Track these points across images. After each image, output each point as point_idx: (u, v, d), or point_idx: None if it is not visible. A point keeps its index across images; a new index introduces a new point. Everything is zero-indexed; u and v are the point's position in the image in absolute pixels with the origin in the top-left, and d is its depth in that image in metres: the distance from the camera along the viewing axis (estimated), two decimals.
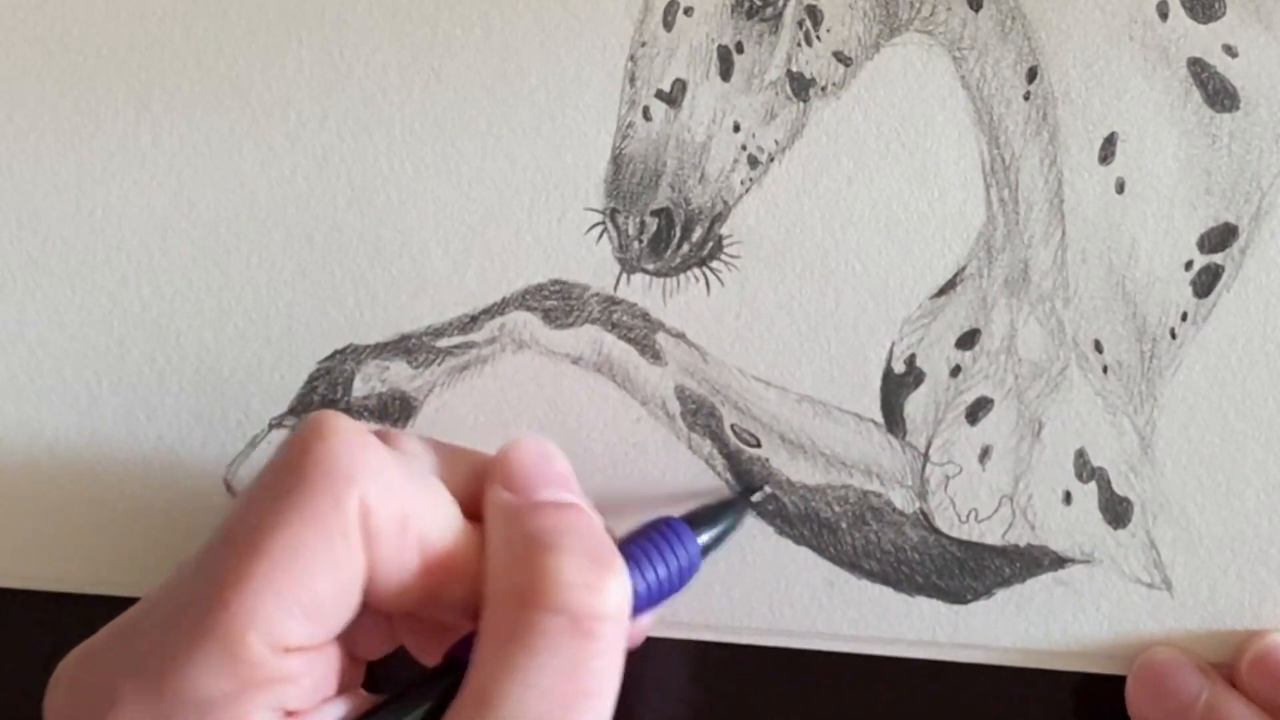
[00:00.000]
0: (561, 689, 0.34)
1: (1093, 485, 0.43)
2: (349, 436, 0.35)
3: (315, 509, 0.34)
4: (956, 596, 0.44)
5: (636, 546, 0.39)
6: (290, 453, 0.35)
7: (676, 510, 0.41)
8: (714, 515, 0.42)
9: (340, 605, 0.34)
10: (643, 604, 0.38)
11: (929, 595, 0.44)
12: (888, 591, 0.44)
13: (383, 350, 0.45)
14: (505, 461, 0.38)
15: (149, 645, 0.34)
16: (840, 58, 0.43)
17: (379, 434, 0.38)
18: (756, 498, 0.44)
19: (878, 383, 0.44)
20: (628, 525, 0.40)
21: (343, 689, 0.36)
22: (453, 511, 0.37)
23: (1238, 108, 0.42)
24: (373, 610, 0.36)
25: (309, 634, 0.34)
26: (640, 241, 0.44)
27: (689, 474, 0.44)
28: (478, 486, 0.38)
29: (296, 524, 0.34)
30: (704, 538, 0.41)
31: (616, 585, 0.35)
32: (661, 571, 0.39)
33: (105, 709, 0.33)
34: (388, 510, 0.35)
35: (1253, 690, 0.41)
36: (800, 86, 0.43)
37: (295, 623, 0.33)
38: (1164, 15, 0.42)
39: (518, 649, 0.34)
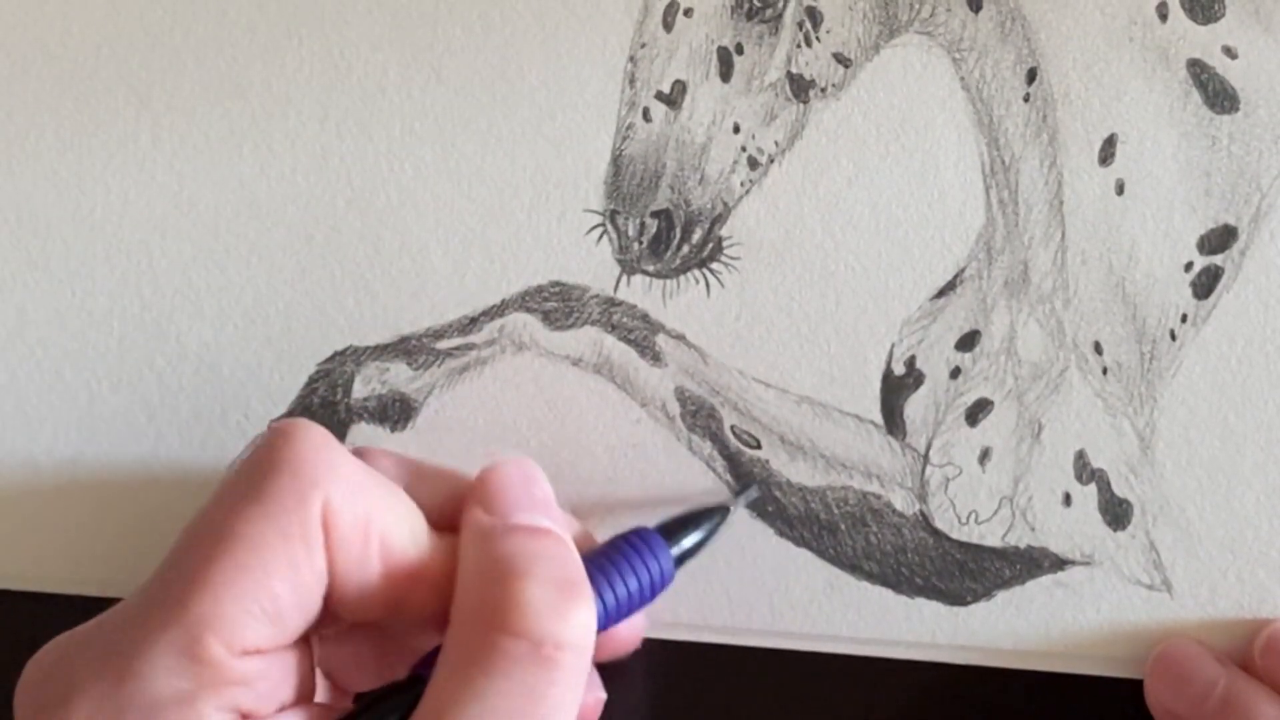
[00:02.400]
0: (517, 713, 0.34)
1: (1092, 487, 0.43)
2: (315, 441, 0.35)
3: (277, 511, 0.34)
4: (956, 598, 0.44)
5: (607, 560, 0.39)
6: (256, 455, 0.36)
7: (669, 513, 0.41)
8: (692, 523, 0.41)
9: (300, 609, 0.35)
10: (612, 618, 0.38)
11: (929, 597, 0.44)
12: (887, 593, 0.44)
13: (382, 352, 0.45)
14: (484, 483, 0.38)
15: (110, 643, 0.34)
16: (840, 59, 0.43)
17: (355, 450, 0.38)
18: (742, 503, 0.44)
19: (877, 384, 0.44)
20: (626, 528, 0.40)
21: (301, 698, 0.36)
22: (418, 523, 0.37)
23: (1237, 109, 0.42)
24: (339, 620, 0.36)
25: (267, 637, 0.34)
26: (640, 243, 0.44)
27: (689, 475, 0.44)
28: (455, 505, 0.38)
29: (258, 525, 0.34)
30: (680, 547, 0.41)
31: (581, 613, 0.35)
32: (632, 585, 0.39)
33: (64, 703, 0.33)
34: (351, 515, 0.35)
35: (1268, 673, 0.41)
36: (800, 88, 0.43)
37: (254, 625, 0.34)
38: (1164, 17, 0.42)
39: (477, 671, 0.34)
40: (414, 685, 0.35)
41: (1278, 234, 0.42)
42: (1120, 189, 0.43)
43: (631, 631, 0.41)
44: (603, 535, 0.40)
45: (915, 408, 0.44)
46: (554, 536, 0.37)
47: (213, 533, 0.34)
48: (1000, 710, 0.45)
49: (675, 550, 0.40)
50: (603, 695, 0.41)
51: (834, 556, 0.44)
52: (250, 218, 0.45)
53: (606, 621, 0.38)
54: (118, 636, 0.34)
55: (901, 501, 0.44)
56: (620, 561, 0.39)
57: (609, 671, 0.42)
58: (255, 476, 0.35)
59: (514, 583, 0.35)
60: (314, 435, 0.36)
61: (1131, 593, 0.43)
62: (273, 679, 0.35)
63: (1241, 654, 0.43)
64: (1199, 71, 0.42)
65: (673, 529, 0.41)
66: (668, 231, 0.44)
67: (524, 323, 0.44)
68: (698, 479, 0.44)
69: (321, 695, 0.40)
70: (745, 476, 0.44)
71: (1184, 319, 0.43)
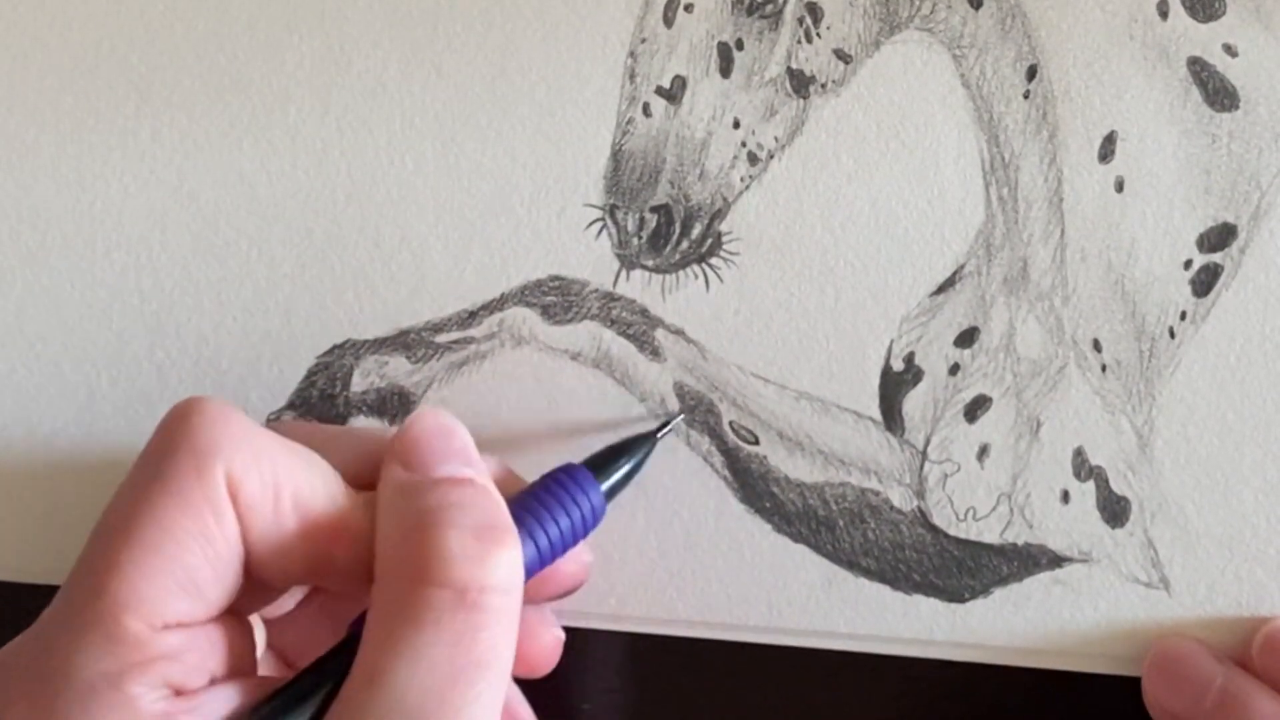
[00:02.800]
0: (449, 661, 0.34)
1: (1091, 484, 0.43)
2: (211, 414, 0.35)
3: (179, 485, 0.34)
4: (954, 595, 0.44)
5: (535, 500, 0.39)
6: (155, 437, 0.36)
7: (594, 446, 0.41)
8: (619, 454, 0.41)
9: (218, 579, 0.35)
10: (545, 559, 0.38)
11: (926, 594, 0.44)
12: (885, 590, 0.44)
13: (381, 345, 0.45)
14: (402, 439, 0.38)
15: (38, 646, 0.34)
16: (840, 55, 0.43)
17: (269, 424, 0.38)
18: (662, 433, 0.43)
19: (876, 380, 0.44)
20: (623, 523, 0.40)
21: (236, 671, 0.36)
22: (331, 479, 0.37)
23: (1237, 107, 0.42)
24: (267, 587, 0.37)
25: (188, 610, 0.34)
26: (640, 238, 0.44)
27: (687, 470, 0.44)
28: (373, 464, 0.38)
29: (162, 503, 0.34)
30: (609, 480, 0.40)
31: (505, 557, 0.35)
32: (564, 523, 0.39)
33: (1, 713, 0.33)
34: (258, 480, 0.35)
35: (1265, 671, 0.41)
36: (800, 83, 0.43)
37: (171, 600, 0.34)
38: (1164, 14, 0.42)
39: (405, 624, 0.34)
40: (351, 644, 0.35)
41: (1277, 232, 0.42)
42: (1120, 186, 0.43)
43: (575, 567, 0.40)
44: (532, 475, 0.40)
45: (914, 404, 0.44)
46: (474, 484, 0.37)
47: (121, 518, 0.35)
48: (997, 707, 0.45)
49: (604, 484, 0.40)
50: (560, 634, 0.41)
51: (832, 553, 0.44)
52: (250, 212, 0.45)
53: (540, 562, 0.38)
54: (45, 638, 0.34)
55: (900, 498, 0.44)
56: (549, 500, 0.39)
57: (601, 666, 0.42)
58: (155, 457, 0.35)
59: (434, 533, 0.35)
60: (209, 408, 0.36)
61: (1129, 590, 0.43)
62: (200, 651, 0.34)
63: (1239, 652, 0.43)
64: (1199, 69, 0.42)
65: (599, 462, 0.41)
66: (667, 226, 0.44)
67: (523, 317, 0.44)
68: (696, 473, 0.44)
69: (274, 672, 0.40)
70: (742, 473, 0.44)
71: (1183, 317, 0.43)
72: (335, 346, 0.45)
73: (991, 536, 0.44)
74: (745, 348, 0.44)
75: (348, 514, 0.37)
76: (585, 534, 0.39)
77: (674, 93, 0.43)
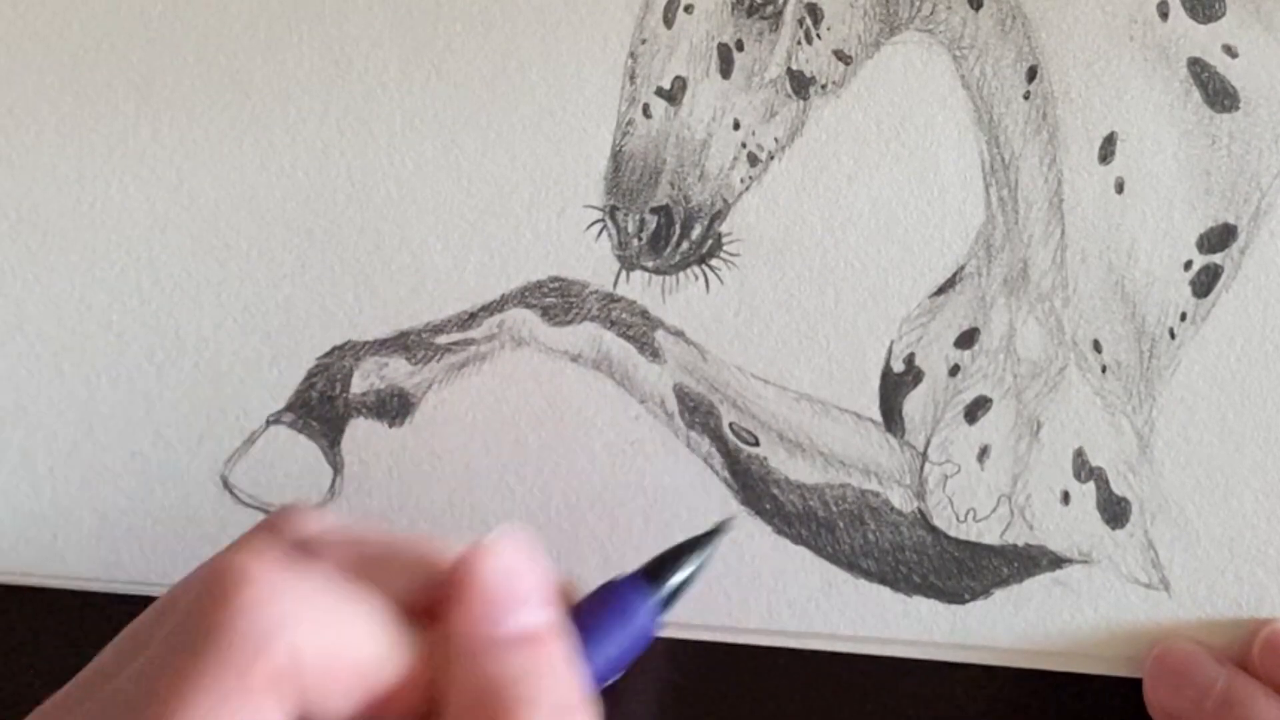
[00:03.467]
0: None
1: (1091, 485, 0.43)
2: (268, 582, 0.31)
3: (232, 678, 0.30)
4: (954, 596, 0.44)
5: (586, 626, 0.37)
6: (196, 611, 0.31)
7: (660, 516, 0.40)
8: (676, 559, 0.38)
9: None
10: (596, 683, 0.37)
11: (927, 595, 0.44)
12: (885, 591, 0.44)
13: (381, 346, 0.45)
14: (465, 583, 0.34)
15: None
16: (840, 56, 0.43)
17: (297, 543, 0.34)
18: (718, 535, 0.42)
19: (876, 381, 0.44)
20: (624, 524, 0.40)
21: None
22: (387, 637, 0.33)
23: (1237, 108, 0.42)
24: None
25: None
26: (640, 239, 0.44)
27: (687, 472, 0.44)
28: (425, 589, 0.35)
29: (209, 702, 0.30)
30: (663, 590, 0.38)
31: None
32: (612, 651, 0.37)
33: None
34: (315, 652, 0.31)
35: (1266, 673, 0.41)
36: (800, 84, 0.43)
37: None
38: (1164, 15, 0.42)
39: None
40: None
41: (1277, 233, 0.42)
42: (1120, 187, 0.43)
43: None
44: (597, 525, 0.40)
45: (914, 405, 0.44)
46: (549, 646, 0.34)
47: (150, 706, 0.30)
48: (998, 708, 0.45)
49: (659, 594, 0.38)
50: None
51: (832, 554, 0.44)
52: (250, 213, 0.45)
53: (591, 684, 0.37)
54: None
55: (900, 499, 0.44)
56: (600, 626, 0.37)
57: None
58: (198, 639, 0.30)
59: (512, 711, 0.32)
60: (264, 577, 0.31)
61: (1129, 591, 0.43)
62: None
63: (1239, 653, 0.43)
64: (1199, 70, 0.42)
65: (655, 570, 0.38)
66: (667, 227, 0.44)
67: (523, 318, 0.44)
68: (696, 475, 0.44)
69: None
70: (743, 475, 0.44)
71: (1183, 317, 0.43)
72: (335, 348, 0.45)
73: (991, 537, 0.44)
74: (745, 349, 0.44)
75: (405, 670, 0.33)
76: (632, 661, 0.38)
77: (674, 94, 0.43)
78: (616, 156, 0.44)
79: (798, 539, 0.44)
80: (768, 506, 0.44)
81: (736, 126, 0.43)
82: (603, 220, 0.44)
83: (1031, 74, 0.43)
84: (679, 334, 0.44)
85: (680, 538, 0.42)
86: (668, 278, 0.44)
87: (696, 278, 0.44)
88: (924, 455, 0.44)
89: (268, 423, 0.45)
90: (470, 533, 0.35)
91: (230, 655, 0.30)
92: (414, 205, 0.44)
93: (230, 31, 0.45)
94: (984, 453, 0.44)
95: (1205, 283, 0.43)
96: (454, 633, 0.34)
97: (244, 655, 0.30)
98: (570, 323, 0.44)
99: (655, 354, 0.44)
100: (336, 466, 0.45)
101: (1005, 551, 0.44)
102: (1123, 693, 0.43)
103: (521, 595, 0.35)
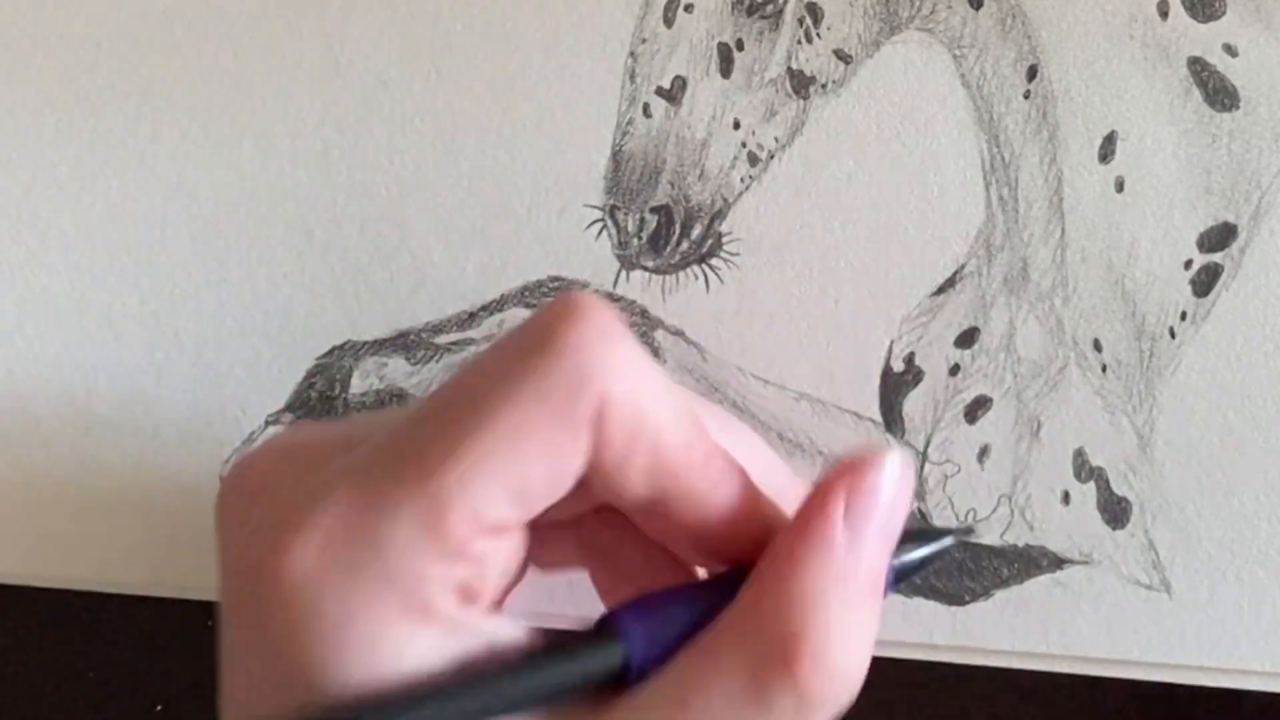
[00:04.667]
0: None
1: (1091, 485, 0.43)
2: (599, 326, 0.32)
3: (551, 394, 0.31)
4: (954, 598, 0.44)
5: None
6: (535, 329, 0.32)
7: None
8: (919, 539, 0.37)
9: (546, 496, 0.32)
10: None
11: (927, 596, 0.44)
12: None
13: (381, 346, 0.45)
14: (863, 495, 0.33)
15: (354, 479, 0.32)
16: (840, 55, 0.43)
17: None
18: (962, 534, 0.40)
19: (876, 381, 0.44)
20: None
21: (514, 581, 0.34)
22: (692, 430, 0.33)
23: (1238, 107, 0.42)
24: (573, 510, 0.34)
25: (505, 518, 0.32)
26: (639, 238, 0.44)
27: None
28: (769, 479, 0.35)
29: (526, 407, 0.31)
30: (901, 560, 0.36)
31: (861, 675, 0.33)
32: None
33: (318, 499, 0.31)
34: (621, 416, 0.32)
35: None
36: (800, 84, 0.43)
37: (498, 506, 0.31)
38: (1164, 14, 0.42)
39: (748, 686, 0.32)
40: (601, 633, 0.33)
41: (1277, 232, 0.42)
42: (1120, 186, 0.43)
43: None
44: None
45: (914, 405, 0.44)
46: (877, 603, 0.34)
47: (474, 403, 0.31)
48: (998, 710, 0.45)
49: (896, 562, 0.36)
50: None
51: None
52: (250, 212, 0.45)
53: None
54: (366, 474, 0.32)
55: None
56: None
57: None
58: (528, 354, 0.32)
59: (832, 648, 0.32)
60: (602, 322, 0.32)
61: (1130, 593, 0.43)
62: (499, 560, 0.32)
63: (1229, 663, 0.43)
64: (1199, 69, 0.42)
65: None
66: (667, 227, 0.44)
67: (523, 318, 0.44)
68: None
69: None
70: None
71: (1183, 317, 0.43)
72: (334, 348, 0.45)
73: (992, 538, 0.44)
74: (745, 348, 0.44)
75: (702, 475, 0.33)
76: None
77: (674, 93, 0.43)
78: (616, 156, 0.44)
79: None
80: None
81: (736, 126, 0.43)
82: (602, 220, 0.44)
83: (1031, 73, 0.43)
84: (679, 333, 0.44)
85: None
86: (667, 277, 0.44)
87: (696, 277, 0.44)
88: (924, 455, 0.44)
89: (267, 423, 0.45)
90: None
91: (552, 380, 0.31)
92: (413, 205, 0.44)
93: (230, 31, 0.45)
94: (984, 452, 0.43)
95: (1205, 282, 0.43)
96: (812, 539, 0.33)
97: (565, 385, 0.31)
98: None
99: (655, 353, 0.44)
100: None
101: (1005, 552, 0.43)
102: (1123, 694, 0.43)
103: (895, 527, 0.34)
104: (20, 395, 0.46)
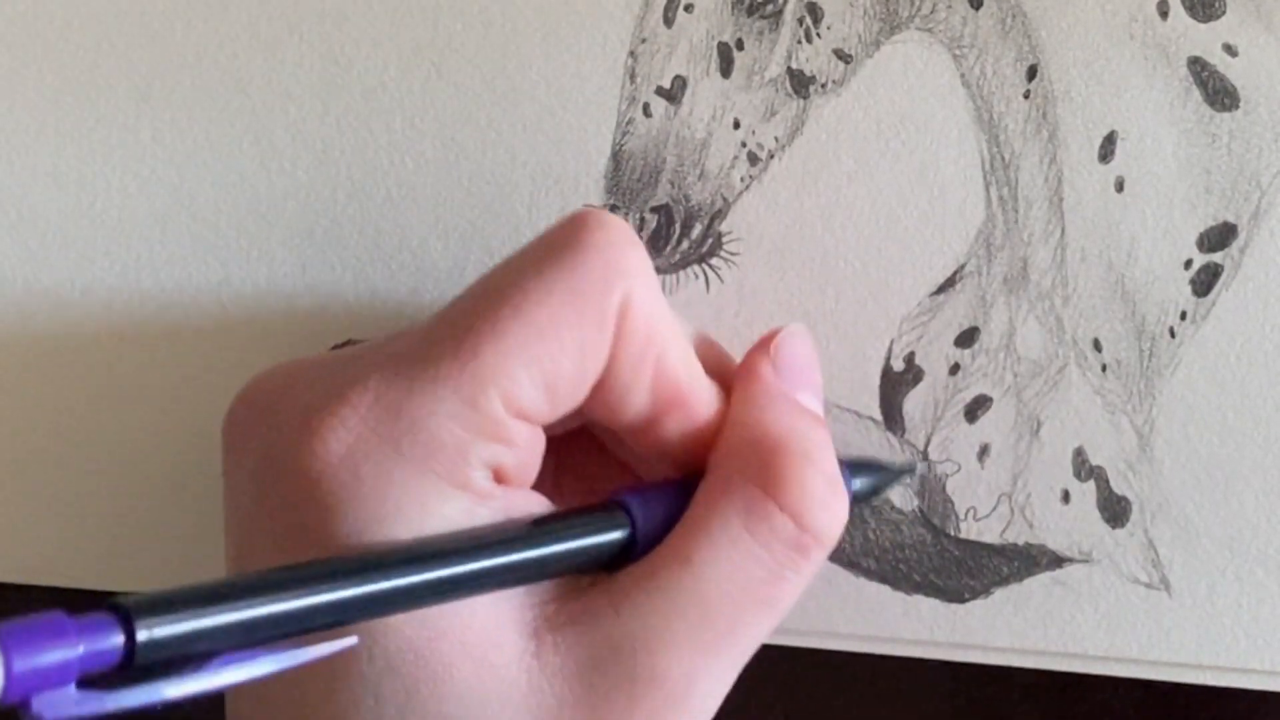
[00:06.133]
0: (760, 585, 0.35)
1: (1091, 484, 0.43)
2: (624, 233, 0.36)
3: (583, 289, 0.34)
4: (954, 595, 0.44)
5: None
6: (565, 231, 0.35)
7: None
8: (870, 469, 0.42)
9: (571, 393, 0.35)
10: None
11: (927, 594, 0.44)
12: (885, 590, 0.44)
13: None
14: (780, 347, 0.38)
15: (393, 363, 0.34)
16: (840, 55, 0.43)
17: None
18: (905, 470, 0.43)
19: (876, 380, 0.44)
20: None
21: (532, 478, 0.36)
22: (689, 350, 0.37)
23: (1238, 107, 0.42)
24: (588, 411, 0.36)
25: (536, 409, 0.34)
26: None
27: None
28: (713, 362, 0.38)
29: (560, 297, 0.34)
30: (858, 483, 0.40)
31: (841, 513, 0.36)
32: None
33: (351, 384, 0.34)
34: (643, 317, 0.35)
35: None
36: (800, 83, 0.43)
37: (532, 391, 0.34)
38: (1164, 14, 0.42)
39: (740, 527, 0.34)
40: (611, 510, 0.36)
41: (1277, 231, 0.42)
42: (1120, 186, 0.43)
43: None
44: None
45: (914, 404, 0.44)
46: (827, 432, 0.37)
47: (511, 293, 0.34)
48: (997, 708, 0.45)
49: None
50: None
51: (831, 552, 0.44)
52: (250, 212, 0.45)
53: None
54: (399, 361, 0.34)
55: (900, 498, 0.44)
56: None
57: None
58: (563, 250, 0.35)
59: (799, 462, 0.35)
60: (622, 227, 0.36)
61: (1130, 591, 0.43)
62: (531, 447, 0.35)
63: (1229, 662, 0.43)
64: (1199, 69, 0.42)
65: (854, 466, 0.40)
66: (667, 227, 0.44)
67: None
68: None
69: None
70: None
71: (1183, 316, 0.43)
72: (335, 347, 0.45)
73: (992, 536, 0.44)
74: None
75: (691, 387, 0.36)
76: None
77: (674, 93, 0.43)
78: (616, 156, 0.44)
79: None
80: None
81: (736, 125, 0.43)
82: None
83: (1031, 73, 0.43)
84: None
85: None
86: (667, 277, 0.44)
87: (696, 277, 0.44)
88: (924, 454, 0.44)
89: None
90: None
91: (585, 276, 0.34)
92: (414, 204, 0.44)
93: (230, 31, 0.45)
94: (984, 451, 0.44)
95: (1205, 281, 0.43)
96: (756, 373, 0.38)
97: (597, 281, 0.34)
98: None
99: None
100: None
101: (1005, 550, 0.44)
102: (1123, 693, 0.43)
103: (815, 383, 0.39)
104: (22, 395, 0.46)
